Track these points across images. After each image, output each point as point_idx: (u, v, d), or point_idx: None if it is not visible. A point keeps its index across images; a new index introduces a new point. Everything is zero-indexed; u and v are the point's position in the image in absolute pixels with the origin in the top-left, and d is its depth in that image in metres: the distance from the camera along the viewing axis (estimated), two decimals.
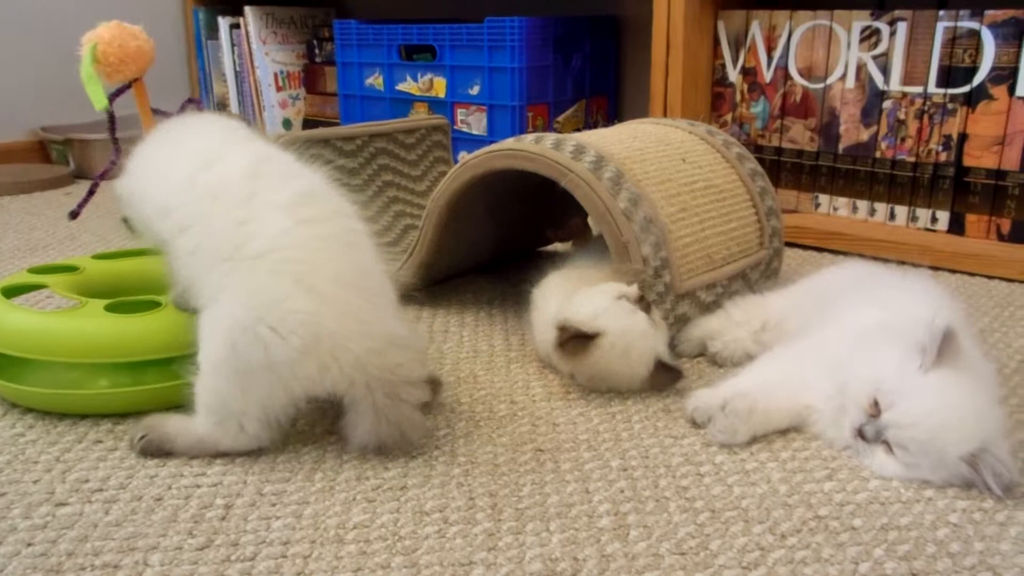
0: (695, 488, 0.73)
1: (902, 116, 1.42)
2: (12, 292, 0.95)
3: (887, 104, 1.43)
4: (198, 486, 0.74)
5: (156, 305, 0.87)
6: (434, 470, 0.76)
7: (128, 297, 0.91)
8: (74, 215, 0.99)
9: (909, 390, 0.74)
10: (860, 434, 0.76)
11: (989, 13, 1.30)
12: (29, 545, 0.66)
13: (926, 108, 1.39)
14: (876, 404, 0.75)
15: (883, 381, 0.75)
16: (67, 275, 0.99)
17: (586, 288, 0.93)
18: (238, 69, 2.52)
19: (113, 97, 0.93)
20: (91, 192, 0.96)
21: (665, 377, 0.91)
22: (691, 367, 0.99)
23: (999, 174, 1.34)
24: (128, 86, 0.91)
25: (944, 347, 0.74)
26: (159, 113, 0.93)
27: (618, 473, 0.76)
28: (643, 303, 0.91)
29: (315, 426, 0.85)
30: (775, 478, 0.75)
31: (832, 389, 0.81)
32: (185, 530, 0.68)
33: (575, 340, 0.88)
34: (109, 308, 0.87)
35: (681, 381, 0.91)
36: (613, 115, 2.09)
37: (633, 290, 0.92)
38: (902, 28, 1.39)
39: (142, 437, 0.79)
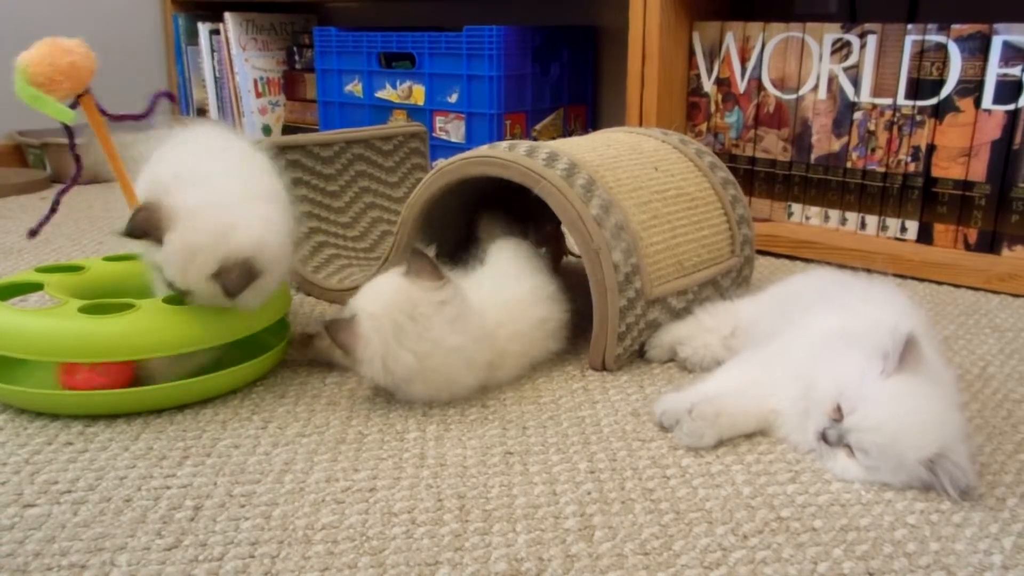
0: (661, 490, 0.74)
1: (872, 127, 1.44)
2: (9, 291, 0.94)
3: (858, 115, 1.45)
4: (168, 487, 0.74)
5: (130, 307, 0.87)
6: (404, 472, 0.77)
7: (108, 299, 0.90)
8: (33, 233, 0.97)
9: (871, 395, 0.75)
10: (823, 438, 0.77)
11: (955, 27, 1.33)
12: None
13: (895, 119, 1.42)
14: (839, 409, 0.76)
15: (846, 386, 0.77)
16: (69, 275, 0.98)
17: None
18: (218, 75, 2.52)
19: None
20: (53, 210, 0.95)
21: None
22: (661, 372, 1.00)
23: (966, 185, 1.37)
24: (75, 103, 0.90)
25: (906, 353, 0.76)
26: (129, 118, 0.92)
27: (585, 475, 0.77)
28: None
29: (287, 428, 0.85)
30: (739, 480, 0.76)
31: (797, 394, 0.82)
32: (153, 531, 0.68)
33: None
34: (83, 309, 0.87)
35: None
36: (591, 124, 2.10)
37: None
38: (872, 41, 1.42)
39: None
